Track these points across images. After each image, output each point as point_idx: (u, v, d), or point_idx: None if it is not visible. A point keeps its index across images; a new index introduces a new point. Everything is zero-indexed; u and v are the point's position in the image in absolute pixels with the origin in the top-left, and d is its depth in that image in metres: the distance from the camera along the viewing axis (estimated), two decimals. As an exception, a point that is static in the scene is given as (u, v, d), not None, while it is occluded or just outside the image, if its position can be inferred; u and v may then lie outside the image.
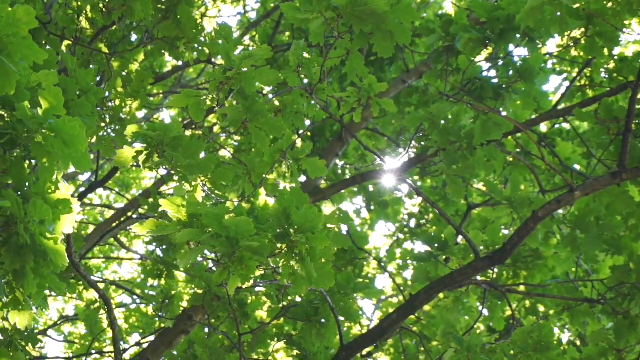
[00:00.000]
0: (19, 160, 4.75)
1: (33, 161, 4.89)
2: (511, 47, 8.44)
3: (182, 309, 9.33)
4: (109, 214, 16.24)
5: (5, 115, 4.65)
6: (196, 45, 8.52)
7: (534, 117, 10.01)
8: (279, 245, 5.36)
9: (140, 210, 11.28)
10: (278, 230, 5.33)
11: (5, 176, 4.74)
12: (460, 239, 9.92)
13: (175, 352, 8.81)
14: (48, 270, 4.85)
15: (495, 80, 8.63)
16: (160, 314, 9.51)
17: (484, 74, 8.65)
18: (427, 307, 10.61)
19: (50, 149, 4.64)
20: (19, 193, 4.73)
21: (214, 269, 8.08)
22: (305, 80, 7.01)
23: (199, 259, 8.10)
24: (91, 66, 8.55)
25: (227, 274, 5.34)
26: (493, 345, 7.15)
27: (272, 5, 13.42)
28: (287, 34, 13.38)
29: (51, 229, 4.65)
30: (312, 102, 7.11)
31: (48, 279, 4.92)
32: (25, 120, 4.55)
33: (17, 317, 5.42)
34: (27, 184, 4.78)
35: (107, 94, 8.59)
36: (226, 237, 5.18)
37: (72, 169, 5.07)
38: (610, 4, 7.41)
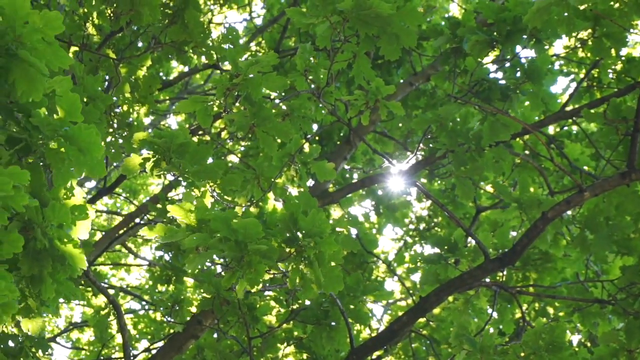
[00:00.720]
0: (36, 166, 4.75)
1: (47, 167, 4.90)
2: (518, 48, 8.43)
3: (191, 313, 9.34)
4: (115, 220, 16.26)
5: (21, 121, 4.65)
6: (203, 49, 8.53)
7: (541, 118, 9.99)
8: (287, 250, 5.36)
9: (149, 217, 11.28)
10: (287, 235, 5.33)
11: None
12: (469, 241, 9.90)
13: (184, 357, 8.80)
14: (65, 276, 4.86)
15: (503, 82, 8.61)
16: (169, 318, 9.51)
17: (492, 75, 8.64)
18: (436, 310, 10.59)
19: (65, 156, 4.65)
20: (36, 199, 4.73)
21: (222, 273, 8.10)
22: (312, 85, 7.01)
23: (208, 264, 8.13)
24: (99, 72, 8.57)
25: (236, 278, 5.34)
26: (505, 346, 7.14)
27: (278, 8, 13.42)
28: (294, 39, 13.39)
29: (69, 232, 4.66)
30: (320, 106, 7.10)
31: (64, 284, 4.92)
32: (41, 127, 4.55)
33: (30, 325, 5.43)
34: (42, 190, 4.79)
35: (114, 99, 8.61)
36: (235, 241, 5.18)
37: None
38: (617, 5, 7.39)
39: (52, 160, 4.66)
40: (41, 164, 4.79)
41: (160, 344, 9.93)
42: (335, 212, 13.21)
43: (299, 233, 5.29)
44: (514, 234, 9.64)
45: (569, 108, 9.44)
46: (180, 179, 6.58)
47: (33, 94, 4.36)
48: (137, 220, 11.17)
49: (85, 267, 4.76)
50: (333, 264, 5.47)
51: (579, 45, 8.36)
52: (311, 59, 6.94)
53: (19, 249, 4.36)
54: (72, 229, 4.71)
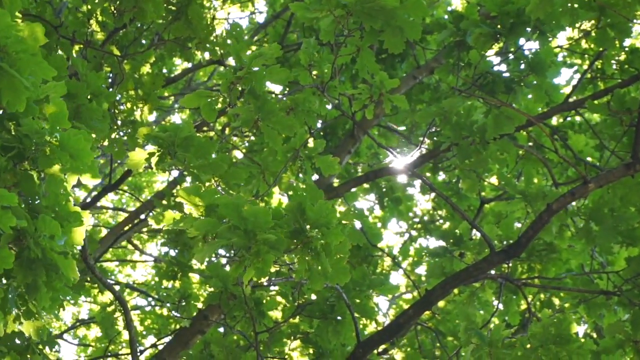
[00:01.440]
0: (28, 174, 4.77)
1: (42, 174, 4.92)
2: (522, 40, 8.42)
3: (197, 309, 9.36)
4: (121, 217, 16.29)
5: (12, 129, 4.67)
6: (207, 45, 8.53)
7: (545, 110, 9.99)
8: (294, 241, 5.36)
9: (154, 213, 11.28)
10: (293, 226, 5.33)
11: (16, 189, 4.76)
12: (474, 233, 9.91)
13: (191, 352, 8.82)
14: (60, 283, 4.87)
15: (507, 74, 8.61)
16: (175, 314, 9.54)
17: (495, 68, 8.64)
18: (441, 303, 10.61)
19: (58, 162, 4.68)
20: (30, 206, 4.75)
21: (228, 267, 8.12)
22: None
23: (214, 259, 8.14)
24: (103, 69, 8.58)
25: (243, 268, 5.34)
26: (512, 339, 7.15)
27: (281, 4, 13.42)
28: (297, 33, 13.39)
29: (62, 242, 4.66)
30: (324, 100, 7.11)
31: (61, 291, 4.93)
32: (30, 135, 4.58)
33: (31, 328, 5.45)
34: (37, 197, 4.81)
35: (118, 96, 8.62)
36: (244, 230, 5.18)
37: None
38: (621, -5, 7.39)
39: (44, 166, 4.70)
40: (35, 170, 4.82)
41: (167, 339, 9.97)
42: (340, 208, 13.21)
43: (306, 224, 5.29)
44: (518, 225, 9.65)
45: (572, 99, 9.44)
46: (185, 174, 6.60)
47: (17, 104, 4.39)
48: (143, 216, 11.19)
49: (77, 277, 4.77)
50: (339, 255, 5.47)
51: (582, 37, 8.36)
52: (315, 53, 6.95)
53: (9, 265, 4.37)
54: (67, 237, 4.73)
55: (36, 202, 4.78)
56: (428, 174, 12.46)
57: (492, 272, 7.99)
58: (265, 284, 8.66)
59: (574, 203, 8.12)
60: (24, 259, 4.63)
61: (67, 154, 4.67)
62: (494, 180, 11.84)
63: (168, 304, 9.78)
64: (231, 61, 9.13)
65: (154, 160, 6.33)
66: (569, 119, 11.42)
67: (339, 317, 8.56)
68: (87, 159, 4.73)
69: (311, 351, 9.06)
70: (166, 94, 13.44)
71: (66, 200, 4.79)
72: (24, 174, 4.75)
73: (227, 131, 11.73)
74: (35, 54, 4.43)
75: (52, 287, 4.84)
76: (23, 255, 4.62)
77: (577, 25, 7.95)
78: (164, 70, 13.86)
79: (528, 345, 7.06)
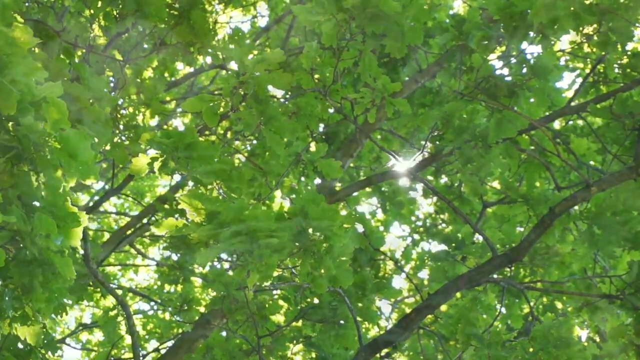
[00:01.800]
0: (26, 175, 4.77)
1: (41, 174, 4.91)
2: (524, 44, 8.41)
3: (200, 313, 9.35)
4: (124, 221, 16.29)
5: (11, 129, 4.67)
6: (209, 50, 8.53)
7: (548, 113, 9.98)
8: (297, 244, 5.35)
9: (156, 217, 11.29)
10: (296, 229, 5.33)
11: (13, 190, 4.75)
12: (476, 237, 9.90)
13: (194, 356, 8.82)
14: (57, 284, 4.86)
15: (509, 78, 8.60)
16: (178, 318, 9.54)
17: (497, 71, 8.64)
18: (444, 307, 10.60)
19: (57, 162, 4.67)
20: (27, 207, 4.75)
21: (230, 272, 8.12)
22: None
23: (217, 264, 8.14)
24: (105, 73, 8.58)
25: (247, 272, 5.33)
26: (513, 342, 7.15)
27: (283, 7, 13.43)
28: (299, 38, 13.39)
29: (59, 242, 4.66)
30: (326, 104, 7.12)
31: (57, 292, 4.92)
32: (30, 135, 4.58)
33: (27, 333, 5.43)
34: (34, 197, 4.80)
35: (120, 101, 8.62)
36: (246, 235, 5.17)
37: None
38: (623, -1, 7.39)
39: (43, 167, 4.69)
40: (34, 171, 4.81)
41: (169, 343, 9.96)
42: (342, 212, 13.20)
43: (308, 228, 5.29)
44: (520, 229, 9.64)
45: (574, 103, 9.43)
46: (187, 178, 6.60)
47: (9, 107, 4.39)
48: (145, 220, 11.19)
49: (73, 276, 4.76)
50: (342, 258, 5.47)
51: (585, 41, 8.35)
52: (317, 57, 6.95)
53: (1, 263, 4.36)
54: (63, 238, 4.72)
55: (34, 203, 4.77)
56: (430, 178, 12.45)
57: (495, 275, 7.99)
58: (267, 287, 8.66)
59: (576, 207, 8.11)
60: (20, 259, 4.63)
61: (66, 153, 4.66)
62: (496, 184, 11.83)
63: (170, 308, 9.78)
64: (233, 65, 9.13)
65: (157, 165, 6.34)
66: (571, 122, 11.40)
67: (341, 321, 8.56)
68: (87, 157, 4.72)
69: (314, 355, 9.05)
70: (168, 98, 13.44)
71: (64, 200, 4.78)
72: (22, 174, 4.74)
73: (229, 135, 11.74)
74: (26, 57, 4.44)
75: (48, 287, 4.83)
76: (19, 256, 4.62)
77: (580, 29, 7.94)
78: (166, 75, 13.86)
79: (531, 349, 7.05)
